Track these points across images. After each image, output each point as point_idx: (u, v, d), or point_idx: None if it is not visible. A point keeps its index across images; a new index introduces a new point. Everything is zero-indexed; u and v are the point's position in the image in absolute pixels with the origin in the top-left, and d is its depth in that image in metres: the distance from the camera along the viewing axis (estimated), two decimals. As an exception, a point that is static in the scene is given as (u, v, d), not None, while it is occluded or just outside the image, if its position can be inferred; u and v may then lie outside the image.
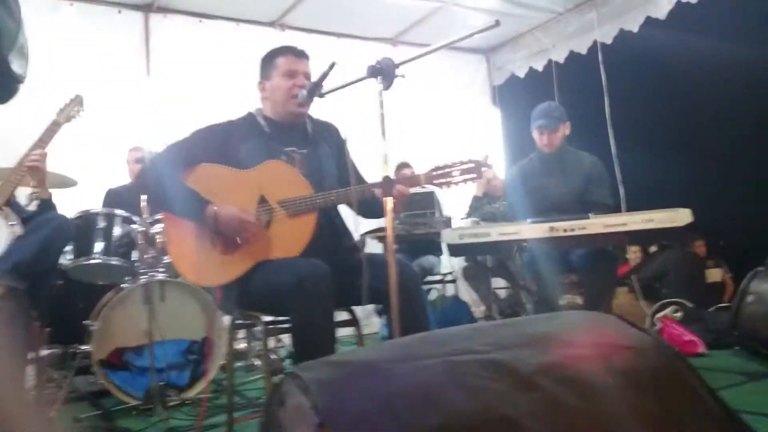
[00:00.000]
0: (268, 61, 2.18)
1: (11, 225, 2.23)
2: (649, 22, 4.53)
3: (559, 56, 5.32)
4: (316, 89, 1.97)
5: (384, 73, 1.71)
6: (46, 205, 2.40)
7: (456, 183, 1.93)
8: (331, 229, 2.13)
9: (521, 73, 5.77)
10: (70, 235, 2.37)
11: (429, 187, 2.08)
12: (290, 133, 2.17)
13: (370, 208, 2.07)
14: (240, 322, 2.24)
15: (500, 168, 5.74)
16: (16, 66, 1.27)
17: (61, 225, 2.17)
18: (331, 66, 1.89)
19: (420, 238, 4.39)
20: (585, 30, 5.06)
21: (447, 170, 1.93)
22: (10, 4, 1.25)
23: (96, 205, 3.55)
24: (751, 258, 3.95)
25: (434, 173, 1.95)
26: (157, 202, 2.12)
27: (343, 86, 1.85)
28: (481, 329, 1.06)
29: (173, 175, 2.03)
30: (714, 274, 5.02)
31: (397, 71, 1.72)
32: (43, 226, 2.12)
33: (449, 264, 5.10)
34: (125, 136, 4.07)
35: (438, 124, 5.85)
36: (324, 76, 1.94)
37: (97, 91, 3.48)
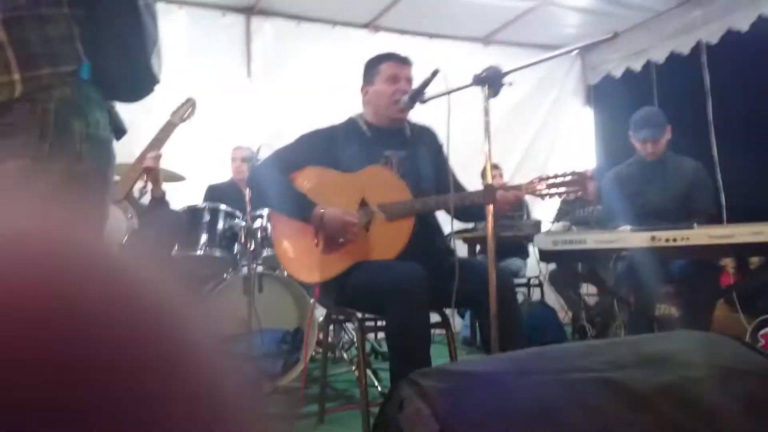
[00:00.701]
0: (372, 66, 2.24)
1: (130, 218, 2.41)
2: (762, 20, 4.26)
3: (659, 56, 5.09)
4: (418, 95, 2.01)
5: (491, 81, 1.72)
6: (161, 201, 2.57)
7: (558, 195, 1.92)
8: (425, 231, 2.16)
9: (617, 73, 5.57)
10: (183, 231, 2.53)
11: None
12: (390, 137, 2.23)
13: (466, 212, 2.09)
14: (335, 316, 2.33)
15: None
16: (156, 67, 1.37)
17: (175, 221, 2.33)
18: (434, 73, 1.92)
19: (508, 241, 4.35)
20: (688, 29, 4.81)
21: (550, 182, 1.91)
22: (154, 9, 1.36)
23: (197, 198, 3.78)
24: None
25: (536, 184, 1.95)
26: (266, 202, 2.24)
27: (446, 93, 1.87)
28: (596, 347, 1.06)
29: (282, 177, 2.13)
30: (824, 288, 4.64)
31: (505, 80, 1.72)
32: (159, 220, 2.28)
33: (536, 267, 5.02)
34: (227, 135, 4.27)
35: (528, 123, 5.77)
36: (426, 82, 1.97)
37: (202, 92, 3.67)
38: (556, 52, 1.71)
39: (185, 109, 2.74)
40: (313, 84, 4.74)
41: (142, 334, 0.25)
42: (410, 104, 2.06)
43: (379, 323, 2.32)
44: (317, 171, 2.16)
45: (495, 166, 4.81)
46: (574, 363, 0.99)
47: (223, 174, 4.17)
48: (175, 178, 3.25)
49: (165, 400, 0.23)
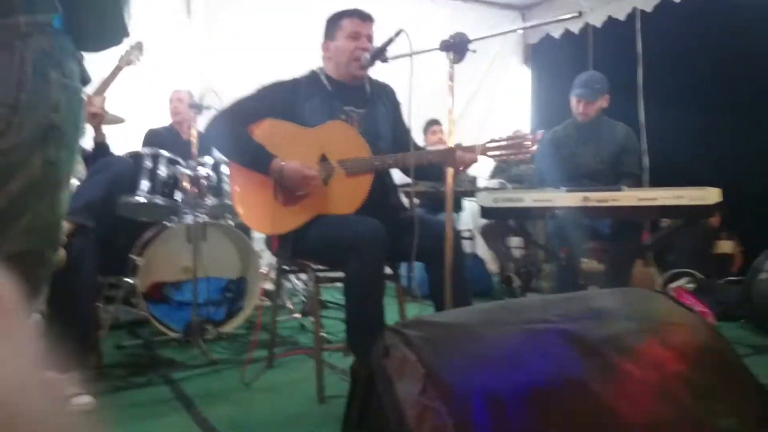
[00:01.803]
0: (333, 22, 2.24)
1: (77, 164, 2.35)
2: (694, -8, 4.49)
3: (597, 20, 5.28)
4: (380, 54, 2.04)
5: (456, 48, 1.78)
6: (103, 147, 2.50)
7: (509, 156, 2.03)
8: (381, 187, 2.23)
9: (556, 34, 5.73)
10: (133, 177, 2.48)
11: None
12: (350, 93, 2.26)
13: (422, 171, 2.17)
14: (287, 267, 2.39)
15: (527, 129, 5.78)
16: (127, 19, 1.35)
17: (125, 167, 2.29)
18: (398, 33, 1.95)
19: (445, 196, 4.49)
20: (625, -5, 5.01)
21: (502, 143, 2.02)
22: None
23: (132, 143, 3.67)
24: (764, 233, 4.06)
25: (490, 145, 2.05)
26: (224, 152, 2.23)
27: (409, 54, 1.92)
28: (551, 301, 1.19)
29: (241, 128, 2.13)
30: (725, 246, 5.05)
31: (470, 46, 1.78)
32: (109, 167, 2.24)
33: (469, 221, 5.23)
34: (165, 79, 4.13)
35: (468, 80, 5.86)
36: (389, 41, 2.01)
37: (138, 33, 3.49)
38: (528, 24, 1.77)
39: (132, 52, 2.64)
40: (258, 27, 4.63)
41: None
42: (371, 63, 2.09)
43: (328, 275, 2.40)
44: (277, 124, 2.16)
45: (437, 122, 4.91)
46: (534, 315, 1.11)
47: (162, 118, 4.06)
48: (116, 120, 3.14)
49: None
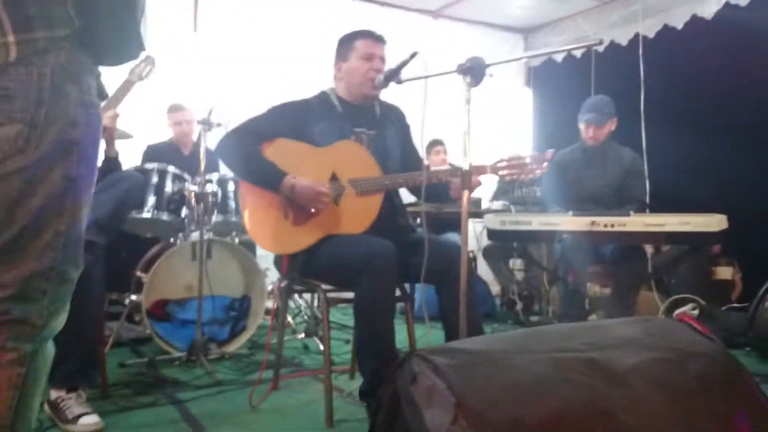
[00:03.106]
0: (346, 42, 2.25)
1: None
2: (695, 20, 4.54)
3: (599, 45, 5.32)
4: (394, 76, 2.05)
5: (473, 72, 1.79)
6: (115, 162, 2.49)
7: (519, 175, 2.03)
8: (389, 207, 2.23)
9: (559, 58, 5.78)
10: (142, 194, 2.46)
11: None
12: (361, 114, 2.27)
13: (431, 192, 2.16)
14: (297, 287, 2.38)
15: (528, 151, 5.80)
16: (144, 34, 1.35)
17: (136, 183, 2.28)
18: (412, 55, 1.96)
19: (448, 216, 4.49)
20: (628, 21, 5.05)
21: (513, 163, 2.03)
22: None
23: (133, 158, 3.66)
24: (765, 260, 4.06)
25: (500, 165, 2.06)
26: (235, 170, 2.23)
27: (425, 77, 1.92)
28: (576, 329, 1.18)
29: (253, 146, 2.13)
30: (724, 272, 5.03)
31: (488, 71, 1.79)
32: (120, 183, 2.22)
33: (473, 242, 5.21)
34: (169, 94, 4.14)
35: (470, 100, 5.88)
36: (404, 63, 2.01)
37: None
38: (555, 49, 1.79)
39: (144, 67, 2.63)
40: (264, 45, 4.66)
41: None
42: (385, 84, 2.10)
43: (338, 295, 2.38)
44: (288, 143, 2.16)
45: (440, 142, 4.92)
46: (561, 343, 1.10)
47: (163, 134, 4.07)
48: (124, 136, 3.14)
49: None
